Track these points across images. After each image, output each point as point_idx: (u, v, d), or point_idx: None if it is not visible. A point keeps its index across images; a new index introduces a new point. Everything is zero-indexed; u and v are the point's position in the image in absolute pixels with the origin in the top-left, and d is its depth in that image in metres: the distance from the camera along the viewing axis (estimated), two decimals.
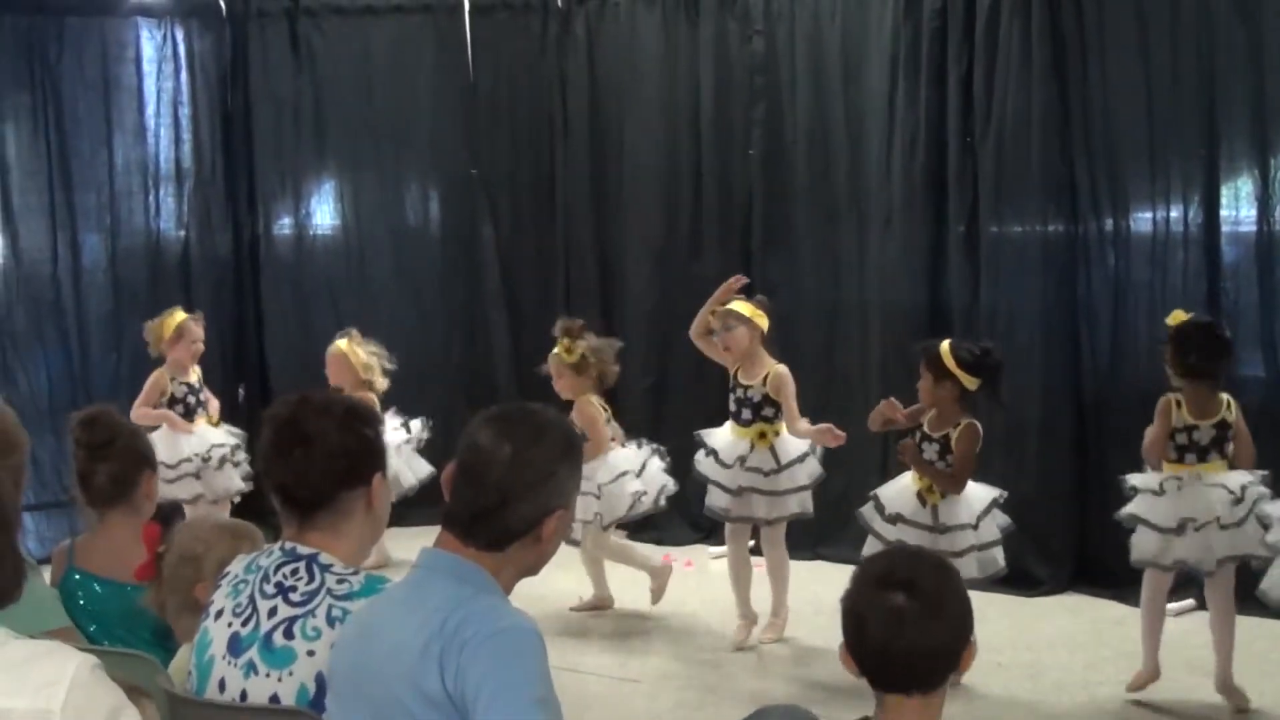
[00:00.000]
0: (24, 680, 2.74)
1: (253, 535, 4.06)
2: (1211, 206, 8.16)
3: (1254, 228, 8.06)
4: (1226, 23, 7.98)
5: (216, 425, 9.01)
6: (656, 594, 8.10)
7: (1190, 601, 7.69)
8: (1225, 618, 6.63)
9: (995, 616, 7.56)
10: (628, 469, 7.90)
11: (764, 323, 7.56)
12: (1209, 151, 8.14)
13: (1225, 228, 8.18)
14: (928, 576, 3.18)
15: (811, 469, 7.59)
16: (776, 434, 7.54)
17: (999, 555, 6.94)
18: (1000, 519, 6.95)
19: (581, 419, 7.74)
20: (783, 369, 7.54)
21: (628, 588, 8.29)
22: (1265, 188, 7.99)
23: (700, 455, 7.74)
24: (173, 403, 8.88)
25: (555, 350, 8.05)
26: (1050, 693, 6.94)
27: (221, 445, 8.87)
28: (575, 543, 7.73)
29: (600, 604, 8.29)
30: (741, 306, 7.57)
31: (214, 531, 4.06)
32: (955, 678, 3.24)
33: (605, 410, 8.04)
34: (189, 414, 8.89)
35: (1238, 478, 6.50)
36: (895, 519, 6.91)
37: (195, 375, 9.00)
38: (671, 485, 8.06)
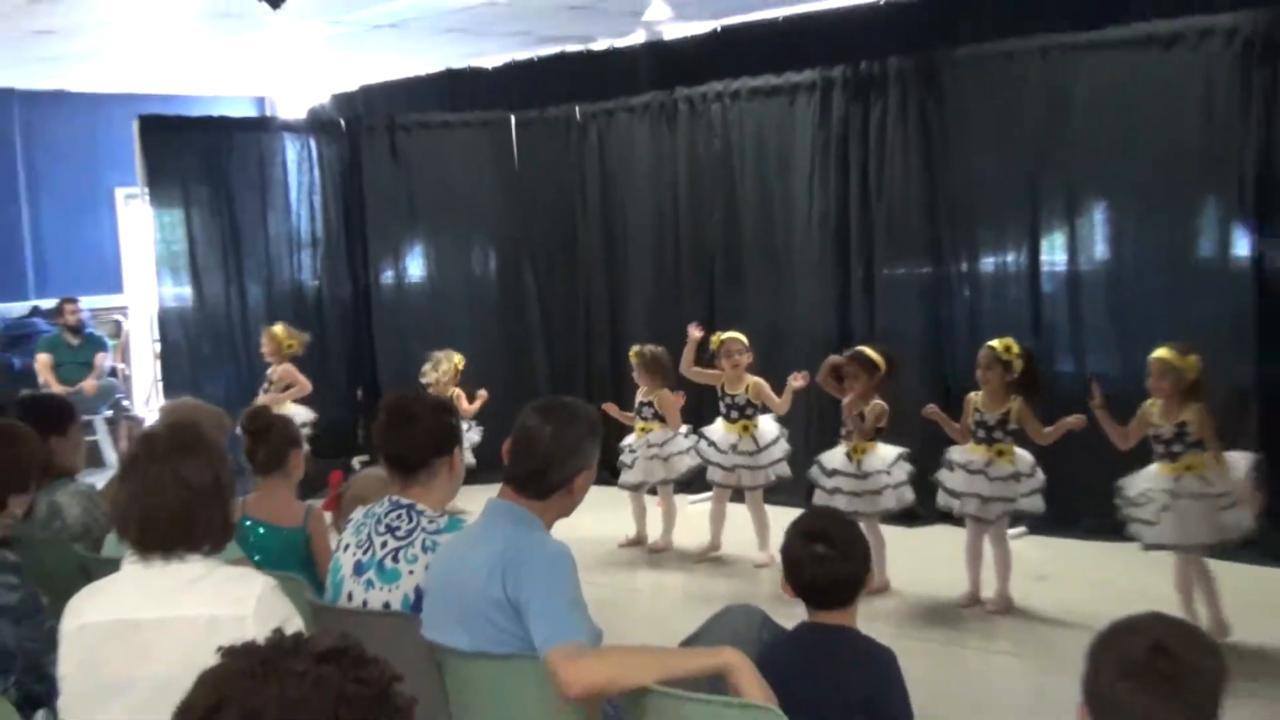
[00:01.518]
0: (226, 594, 2.79)
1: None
2: (1035, 253, 8.19)
3: (1065, 269, 8.09)
4: (1045, 124, 8.02)
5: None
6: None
7: (1023, 528, 7.68)
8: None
9: (892, 541, 7.55)
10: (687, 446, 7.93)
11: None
12: (1033, 214, 8.16)
13: (1044, 269, 8.19)
14: (839, 530, 3.34)
15: (784, 447, 7.61)
16: (756, 426, 7.58)
17: (908, 492, 6.92)
18: (907, 466, 6.94)
19: (662, 405, 7.83)
20: (759, 379, 7.61)
21: (630, 526, 8.24)
22: (1073, 240, 8.03)
23: (703, 446, 7.73)
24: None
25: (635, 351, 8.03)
26: (931, 592, 6.92)
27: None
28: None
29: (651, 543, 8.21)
30: (741, 337, 7.67)
31: (379, 482, 4.08)
32: (864, 593, 3.36)
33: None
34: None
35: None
36: (833, 473, 6.91)
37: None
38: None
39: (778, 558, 3.32)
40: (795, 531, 3.36)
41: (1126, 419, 6.04)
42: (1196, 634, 2.20)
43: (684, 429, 7.93)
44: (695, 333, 7.75)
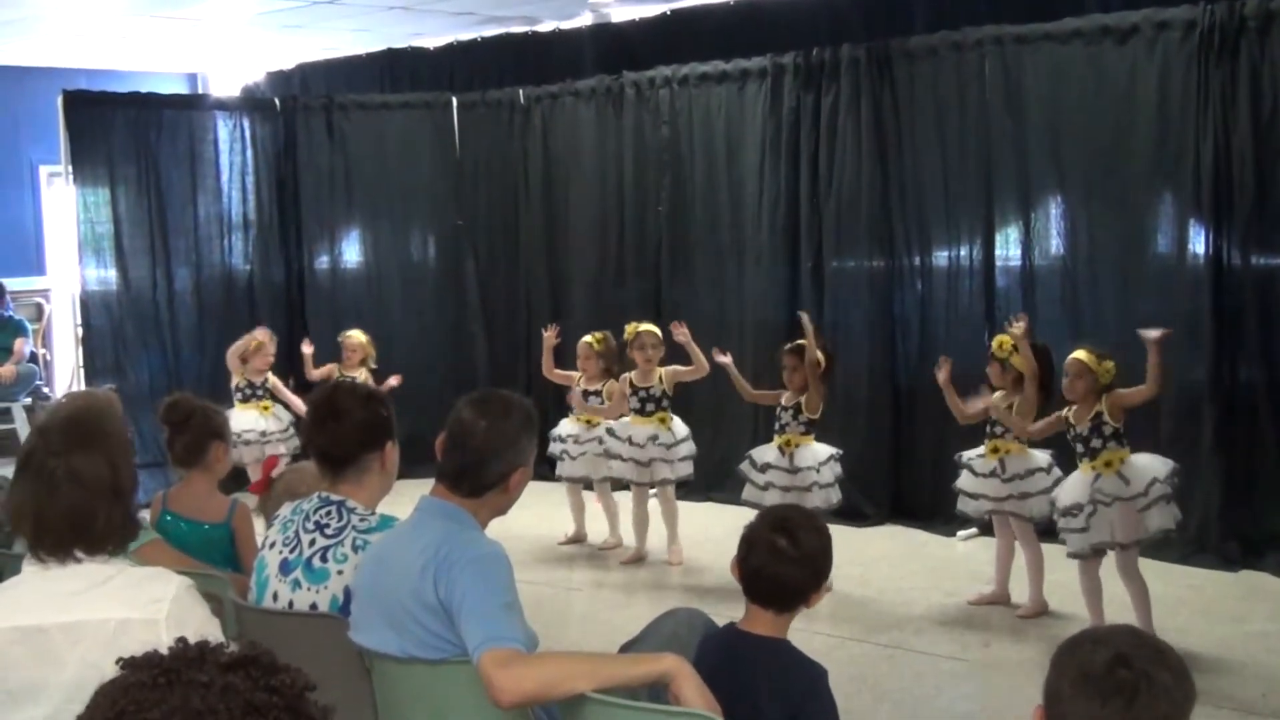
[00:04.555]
0: (138, 597, 2.70)
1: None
2: (989, 248, 8.19)
3: (1019, 263, 8.10)
4: (999, 115, 8.04)
5: (267, 410, 8.95)
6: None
7: (973, 529, 7.70)
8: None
9: (836, 542, 7.54)
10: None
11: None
12: (986, 208, 8.17)
13: (998, 263, 8.20)
14: (808, 533, 3.25)
15: (690, 446, 7.60)
16: (671, 419, 7.56)
17: (835, 493, 6.89)
18: (837, 469, 6.92)
19: (612, 396, 7.77)
20: (668, 367, 7.59)
21: (567, 523, 8.19)
22: (1027, 235, 8.03)
23: (613, 443, 7.66)
24: (236, 390, 8.96)
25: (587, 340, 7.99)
26: (875, 595, 6.93)
27: (259, 430, 8.82)
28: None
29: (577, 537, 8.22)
30: (655, 329, 7.64)
31: (311, 477, 4.01)
32: (804, 607, 3.27)
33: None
34: (245, 401, 8.91)
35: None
36: (765, 467, 6.91)
37: (261, 379, 8.98)
38: None
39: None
40: (765, 516, 3.32)
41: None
42: (1164, 651, 2.18)
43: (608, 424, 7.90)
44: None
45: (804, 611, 3.30)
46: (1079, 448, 5.91)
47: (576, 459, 7.88)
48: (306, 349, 9.29)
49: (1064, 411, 6.01)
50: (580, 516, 8.14)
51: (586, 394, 7.87)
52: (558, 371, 8.04)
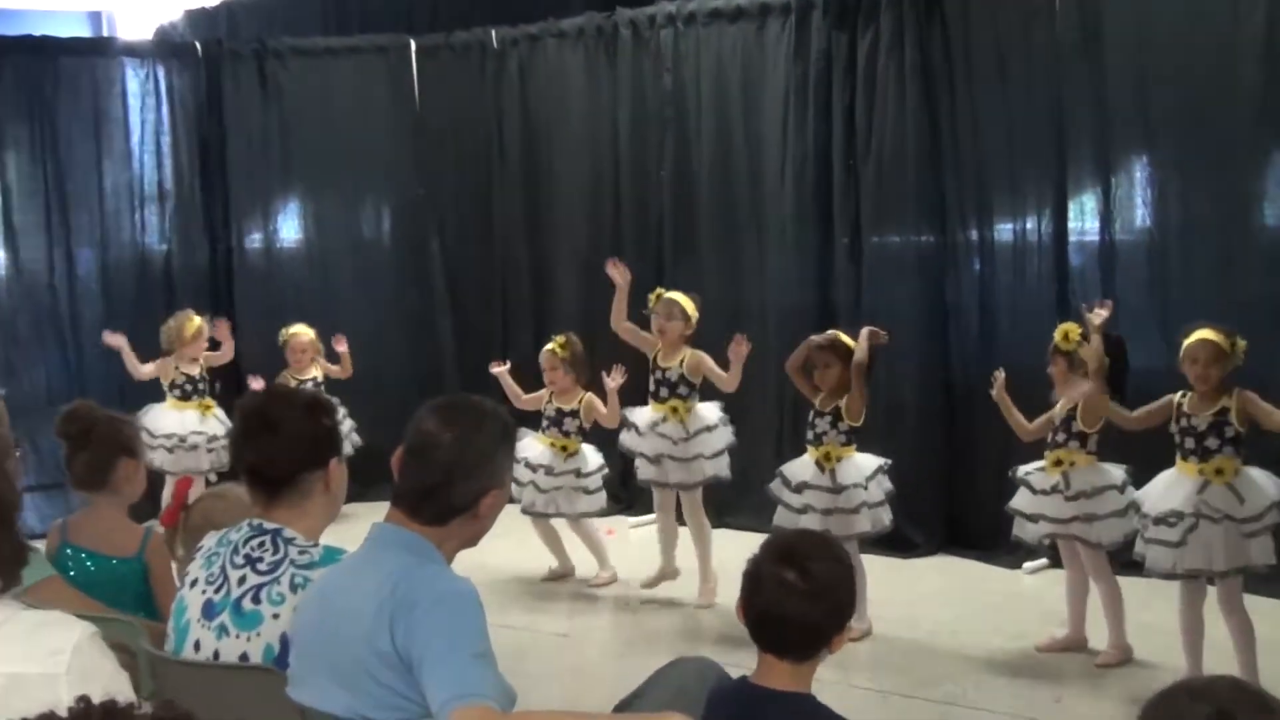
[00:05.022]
0: (34, 648, 2.70)
1: None
2: (1061, 220, 8.20)
3: (1097, 238, 8.11)
4: (1073, 59, 8.03)
5: (207, 412, 9.00)
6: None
7: (1043, 560, 7.72)
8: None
9: (877, 575, 7.57)
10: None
11: (695, 318, 7.66)
12: (1059, 171, 8.17)
13: (1072, 238, 8.21)
14: (822, 564, 3.17)
15: (722, 435, 7.62)
16: (688, 410, 7.58)
17: (886, 514, 6.93)
18: (886, 484, 6.95)
19: (590, 414, 7.88)
20: (699, 352, 7.62)
21: (548, 556, 8.22)
22: (1107, 204, 8.04)
23: (624, 433, 7.78)
24: (172, 387, 9.07)
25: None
26: (924, 639, 6.93)
27: (201, 432, 8.89)
28: None
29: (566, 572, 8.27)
30: (684, 301, 7.65)
31: (240, 504, 4.02)
32: (827, 653, 3.21)
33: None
34: (184, 398, 9.02)
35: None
36: (801, 487, 6.91)
37: (199, 369, 9.12)
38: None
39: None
40: (769, 547, 3.26)
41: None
42: (1273, 706, 2.18)
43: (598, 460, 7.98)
44: (619, 275, 7.78)
45: (837, 660, 3.29)
46: (1188, 442, 5.87)
47: (548, 492, 7.88)
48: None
49: (1176, 396, 5.95)
50: (558, 547, 8.17)
51: (561, 413, 7.90)
52: (528, 397, 8.08)
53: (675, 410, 7.57)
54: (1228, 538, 5.72)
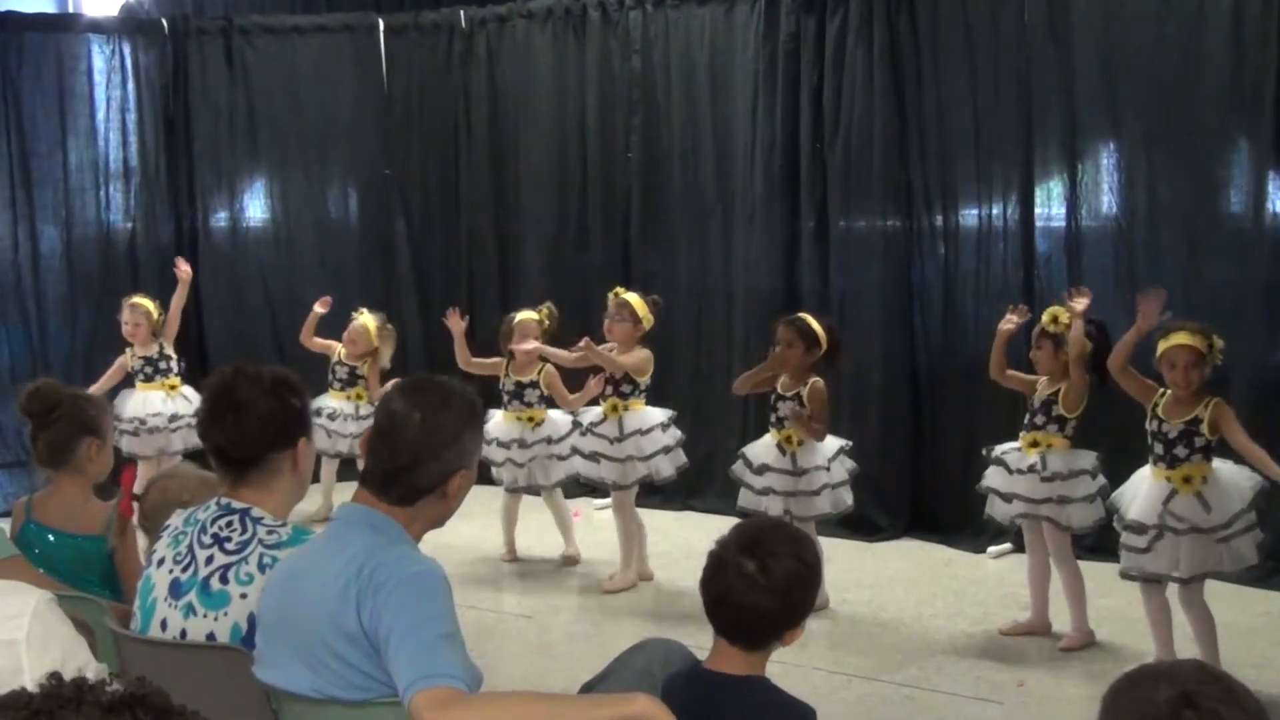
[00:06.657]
0: None
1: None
2: (1027, 205, 8.23)
3: (1064, 223, 8.13)
4: (1041, 44, 8.05)
5: (173, 392, 8.98)
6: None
7: (1006, 544, 7.76)
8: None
9: (841, 558, 7.60)
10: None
11: (649, 322, 7.64)
12: (1025, 157, 8.20)
13: (1039, 223, 8.24)
14: (785, 561, 3.15)
15: (657, 439, 7.59)
16: (626, 409, 7.57)
17: (848, 494, 6.99)
18: (848, 463, 7.00)
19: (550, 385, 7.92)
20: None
21: (521, 535, 8.24)
22: (1073, 189, 8.07)
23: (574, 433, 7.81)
24: (135, 372, 9.04)
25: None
26: (888, 623, 6.96)
27: (160, 413, 8.87)
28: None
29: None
30: (636, 304, 7.63)
31: (198, 483, 3.99)
32: (778, 645, 3.21)
33: None
34: (148, 380, 8.99)
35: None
36: (762, 469, 6.95)
37: (155, 349, 9.04)
38: None
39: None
40: (738, 533, 3.25)
41: (1137, 414, 6.05)
42: (1235, 690, 2.18)
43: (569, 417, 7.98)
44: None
45: (799, 642, 3.29)
46: (1158, 447, 5.87)
47: (524, 465, 7.91)
48: (321, 308, 9.30)
49: (1157, 394, 5.90)
50: (512, 531, 8.19)
51: (520, 385, 7.90)
52: (478, 361, 8.06)
53: (615, 409, 7.58)
54: (1193, 548, 5.73)
